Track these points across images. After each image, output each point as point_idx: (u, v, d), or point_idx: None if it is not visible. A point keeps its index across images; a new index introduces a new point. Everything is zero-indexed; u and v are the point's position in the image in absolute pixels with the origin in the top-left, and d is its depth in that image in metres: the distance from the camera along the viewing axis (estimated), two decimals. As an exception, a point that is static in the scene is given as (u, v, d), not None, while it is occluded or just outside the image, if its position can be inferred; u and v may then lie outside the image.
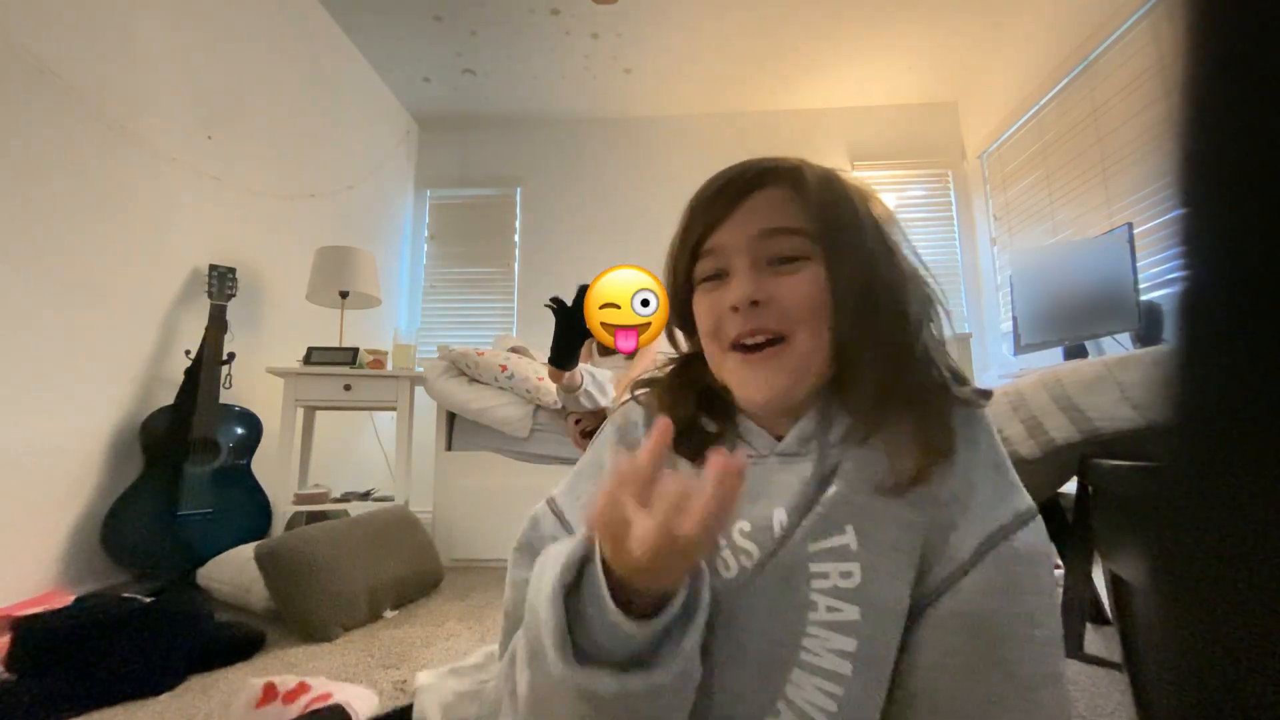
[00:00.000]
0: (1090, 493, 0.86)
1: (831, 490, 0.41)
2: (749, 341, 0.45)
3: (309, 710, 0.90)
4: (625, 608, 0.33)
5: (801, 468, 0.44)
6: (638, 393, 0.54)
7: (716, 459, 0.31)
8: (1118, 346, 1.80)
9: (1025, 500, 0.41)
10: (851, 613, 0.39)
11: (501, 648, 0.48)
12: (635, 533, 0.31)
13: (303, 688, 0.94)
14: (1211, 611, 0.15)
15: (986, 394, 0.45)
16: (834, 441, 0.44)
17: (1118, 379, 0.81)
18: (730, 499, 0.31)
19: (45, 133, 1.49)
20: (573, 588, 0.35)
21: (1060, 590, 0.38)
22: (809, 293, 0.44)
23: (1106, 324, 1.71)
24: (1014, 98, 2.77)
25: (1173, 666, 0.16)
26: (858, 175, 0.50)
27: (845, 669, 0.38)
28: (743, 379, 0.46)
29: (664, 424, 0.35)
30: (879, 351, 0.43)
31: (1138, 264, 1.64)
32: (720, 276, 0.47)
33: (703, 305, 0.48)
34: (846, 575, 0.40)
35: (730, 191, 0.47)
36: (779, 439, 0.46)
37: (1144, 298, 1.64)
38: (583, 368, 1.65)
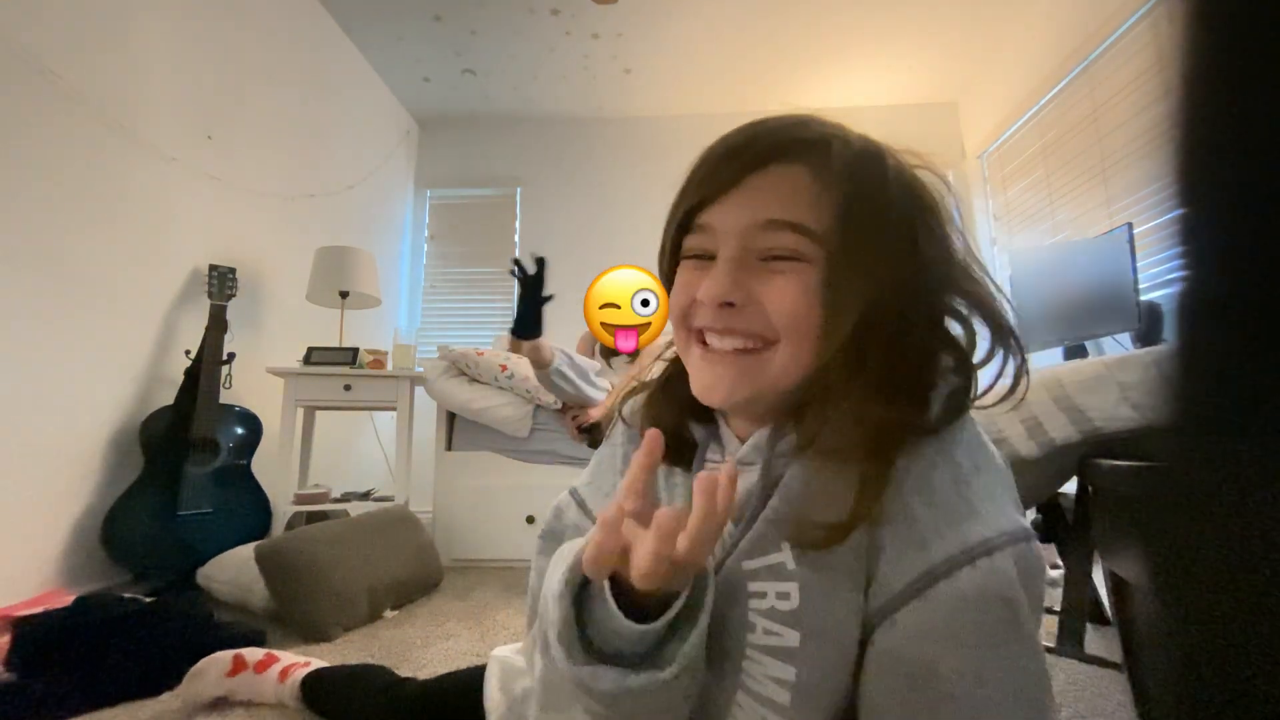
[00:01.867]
0: (1090, 493, 0.86)
1: (770, 504, 0.39)
2: (718, 345, 0.40)
3: (310, 669, 0.95)
4: (634, 604, 0.34)
5: (749, 477, 0.41)
6: (624, 411, 0.53)
7: (701, 478, 0.32)
8: (1118, 346, 1.79)
9: (988, 528, 0.33)
10: (790, 638, 0.36)
11: (527, 631, 0.50)
12: (633, 559, 0.33)
13: (270, 658, 0.97)
14: (1211, 611, 0.15)
15: (958, 411, 0.38)
16: (781, 452, 0.40)
17: (1118, 379, 0.81)
18: (719, 514, 0.32)
19: (45, 133, 1.49)
20: (584, 584, 0.36)
21: (1037, 636, 0.33)
22: (794, 303, 0.37)
23: (1106, 324, 1.71)
24: (1014, 98, 2.77)
25: (1173, 666, 0.16)
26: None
27: (783, 698, 0.35)
28: (703, 376, 0.41)
29: (653, 438, 0.35)
30: (865, 384, 0.36)
31: (1138, 264, 1.64)
32: (707, 257, 0.41)
33: (679, 282, 0.43)
34: (784, 596, 0.37)
35: (737, 162, 0.39)
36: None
37: (1144, 298, 1.64)
38: (558, 348, 1.60)
